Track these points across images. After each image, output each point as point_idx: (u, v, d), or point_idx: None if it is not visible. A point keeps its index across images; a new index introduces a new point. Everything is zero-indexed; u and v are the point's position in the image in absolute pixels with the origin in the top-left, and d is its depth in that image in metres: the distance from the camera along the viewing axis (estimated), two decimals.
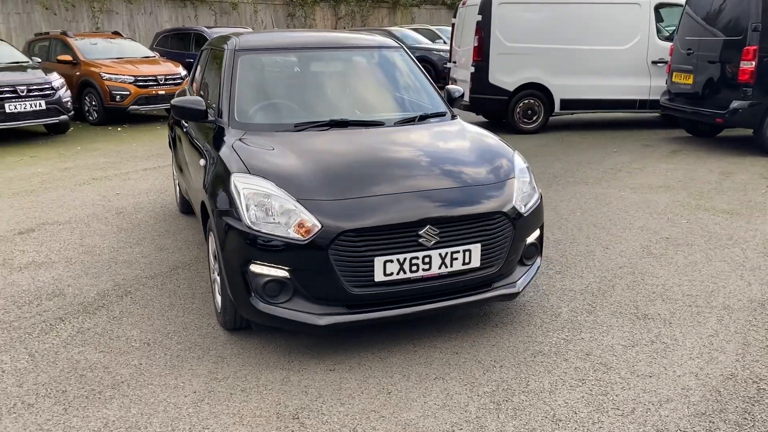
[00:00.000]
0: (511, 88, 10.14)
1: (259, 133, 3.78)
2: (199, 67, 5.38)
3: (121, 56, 12.46)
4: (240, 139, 3.67)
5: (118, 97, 11.46)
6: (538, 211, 3.64)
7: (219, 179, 3.42)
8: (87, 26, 15.22)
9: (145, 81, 11.69)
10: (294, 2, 20.23)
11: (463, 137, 3.92)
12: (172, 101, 4.05)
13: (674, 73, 9.40)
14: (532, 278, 3.63)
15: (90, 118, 11.92)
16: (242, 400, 2.96)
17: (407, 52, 4.69)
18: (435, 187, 3.32)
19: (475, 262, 3.29)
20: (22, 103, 9.65)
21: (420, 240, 3.14)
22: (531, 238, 3.61)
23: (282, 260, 3.09)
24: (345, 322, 3.14)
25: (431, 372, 3.18)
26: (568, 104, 10.34)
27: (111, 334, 3.62)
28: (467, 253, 3.25)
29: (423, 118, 4.17)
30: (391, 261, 3.11)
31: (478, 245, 3.27)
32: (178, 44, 14.62)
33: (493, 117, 11.37)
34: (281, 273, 3.10)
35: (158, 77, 11.88)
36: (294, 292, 3.15)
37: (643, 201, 6.24)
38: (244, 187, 3.21)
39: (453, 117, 4.34)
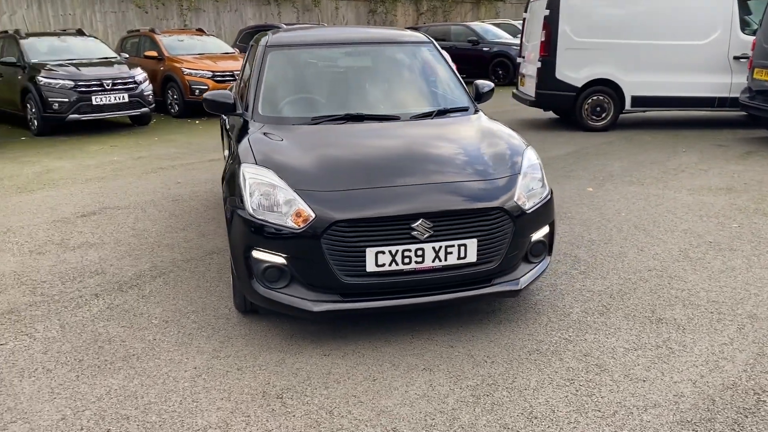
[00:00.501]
0: (579, 84, 9.88)
1: (278, 126, 3.94)
2: (246, 63, 5.62)
3: (203, 52, 13.07)
4: (258, 132, 3.84)
5: (197, 90, 12.03)
6: (546, 209, 3.60)
7: (232, 169, 3.61)
8: (176, 23, 16.04)
9: (222, 76, 12.21)
10: None
11: (476, 132, 3.92)
12: (204, 95, 4.28)
13: (756, 70, 8.86)
14: (538, 276, 3.60)
15: (171, 111, 12.58)
16: (236, 378, 3.12)
17: (436, 47, 4.72)
18: (432, 181, 3.36)
19: (471, 257, 3.30)
20: (107, 95, 10.35)
21: (413, 233, 3.19)
22: (538, 235, 3.58)
23: (280, 248, 3.23)
24: (338, 309, 3.25)
25: (421, 363, 3.23)
26: (639, 101, 9.96)
27: (135, 311, 3.89)
28: (462, 248, 3.27)
29: (442, 113, 4.20)
30: (383, 252, 3.18)
31: (474, 240, 3.28)
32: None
33: (560, 113, 11.13)
34: (279, 260, 3.24)
35: (235, 72, 12.37)
36: (291, 278, 3.28)
37: (697, 203, 5.97)
38: (250, 176, 3.38)
39: (476, 111, 4.34)
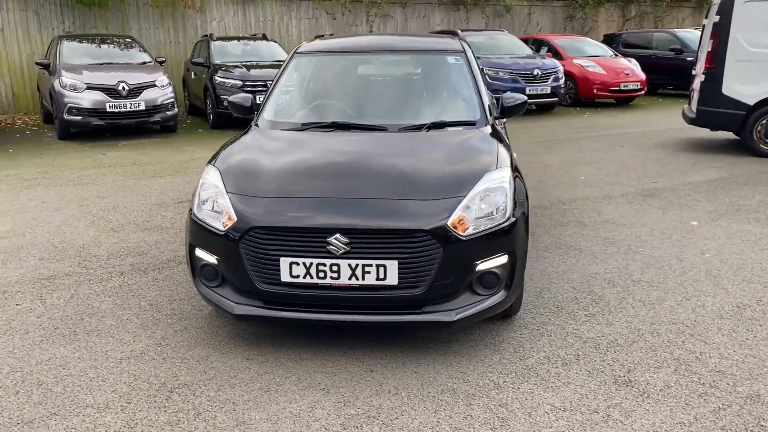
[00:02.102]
0: (751, 102, 8.54)
1: (271, 130, 4.04)
2: None
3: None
4: (247, 135, 3.99)
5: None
6: (501, 236, 3.24)
7: None
8: (364, 29, 16.85)
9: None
10: (575, 3, 19.52)
11: (453, 148, 3.65)
12: (229, 98, 4.53)
13: None
14: (483, 312, 3.25)
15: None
16: (153, 366, 3.29)
17: (467, 57, 4.45)
18: (363, 197, 3.22)
19: (392, 280, 3.10)
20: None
21: (329, 247, 3.09)
22: (487, 265, 3.24)
23: (211, 248, 3.33)
24: (255, 315, 3.26)
25: (326, 382, 3.12)
26: None
27: (136, 291, 4.26)
28: (381, 269, 3.09)
29: (439, 126, 3.97)
30: (297, 264, 3.13)
31: (395, 262, 3.08)
32: None
33: (738, 135, 9.70)
34: (212, 260, 3.35)
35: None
36: (223, 279, 3.37)
37: None
38: (203, 177, 3.53)
39: (487, 125, 4.03)
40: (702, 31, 10.02)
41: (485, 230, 3.20)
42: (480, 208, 3.23)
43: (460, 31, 14.81)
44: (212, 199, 3.38)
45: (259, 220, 3.16)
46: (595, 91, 14.50)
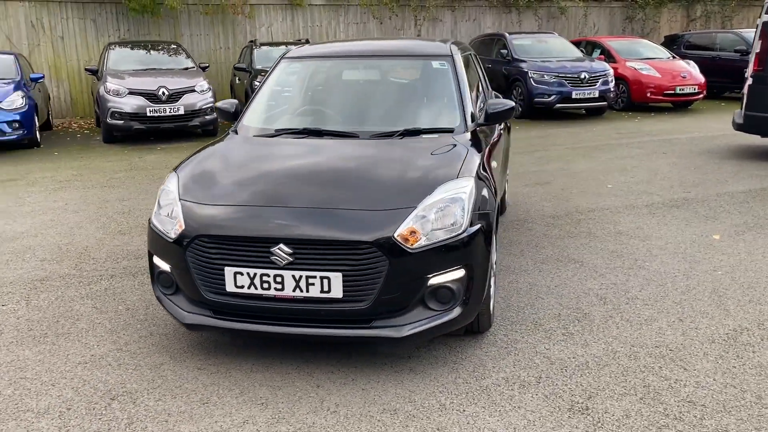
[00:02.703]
0: None
1: (245, 136, 4.01)
2: None
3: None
4: (222, 142, 3.96)
5: None
6: (455, 250, 3.08)
7: None
8: (412, 33, 16.74)
9: None
10: (635, 4, 18.80)
11: (420, 157, 3.50)
12: (216, 104, 4.53)
13: None
14: (434, 327, 3.10)
15: None
16: (105, 372, 3.29)
17: (454, 62, 4.26)
18: (307, 206, 3.12)
19: (337, 293, 3.00)
20: None
21: (272, 258, 3.02)
22: (441, 280, 3.09)
23: (165, 256, 3.32)
24: (202, 324, 3.23)
25: (266, 397, 3.04)
26: None
27: (120, 296, 4.29)
28: (326, 281, 2.99)
29: (413, 133, 3.83)
30: (241, 274, 3.06)
31: (339, 275, 2.98)
32: (484, 49, 15.07)
33: None
34: (167, 267, 3.33)
35: None
36: (177, 287, 3.34)
37: None
38: (165, 184, 3.53)
39: (465, 132, 3.86)
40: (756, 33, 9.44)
41: (438, 242, 3.05)
42: (434, 219, 3.09)
43: (507, 34, 14.52)
44: (170, 206, 3.36)
45: (205, 228, 3.12)
46: (648, 95, 13.89)
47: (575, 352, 3.42)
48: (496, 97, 5.84)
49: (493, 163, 4.00)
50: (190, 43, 14.86)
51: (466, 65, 4.84)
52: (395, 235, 2.99)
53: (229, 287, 3.09)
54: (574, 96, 12.81)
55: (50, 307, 4.13)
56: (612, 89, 13.22)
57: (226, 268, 3.08)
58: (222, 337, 3.61)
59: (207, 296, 3.15)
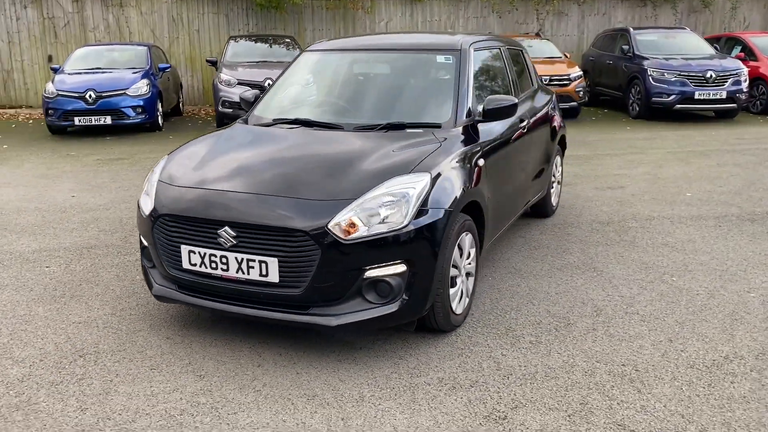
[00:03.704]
0: None
1: (246, 125, 4.22)
2: None
3: (532, 57, 13.04)
4: (225, 129, 4.20)
5: None
6: (394, 244, 3.08)
7: None
8: (534, 27, 16.26)
9: None
10: None
11: (389, 149, 3.49)
12: (240, 95, 4.78)
13: None
14: (368, 320, 3.11)
15: None
16: (90, 332, 3.64)
17: (460, 57, 4.16)
18: (256, 192, 3.25)
19: (273, 278, 3.11)
20: None
21: (219, 239, 3.19)
22: (380, 273, 3.10)
23: (142, 232, 3.61)
24: (166, 296, 3.47)
25: (207, 369, 3.22)
26: None
27: (114, 272, 4.55)
28: (264, 265, 3.11)
29: (398, 127, 3.81)
30: (194, 252, 3.27)
31: (275, 260, 3.08)
32: (607, 45, 14.34)
33: None
34: (146, 242, 3.62)
35: (542, 77, 12.10)
36: (153, 261, 3.62)
37: None
38: (156, 165, 3.81)
39: (455, 127, 3.80)
40: None
41: (375, 236, 3.06)
42: (376, 213, 3.09)
43: (632, 29, 13.69)
44: (151, 186, 3.64)
45: (168, 208, 3.36)
46: None
47: (530, 361, 3.26)
48: (546, 94, 5.61)
49: (503, 162, 3.96)
50: (313, 37, 15.49)
51: (495, 60, 4.72)
52: (329, 225, 3.03)
53: (185, 264, 3.31)
54: (696, 96, 11.83)
55: (82, 271, 4.60)
56: (744, 90, 12.04)
57: (182, 246, 3.29)
58: (202, 312, 3.85)
59: (170, 271, 3.39)
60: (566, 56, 13.60)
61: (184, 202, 3.34)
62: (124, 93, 10.83)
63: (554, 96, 5.90)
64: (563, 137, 5.92)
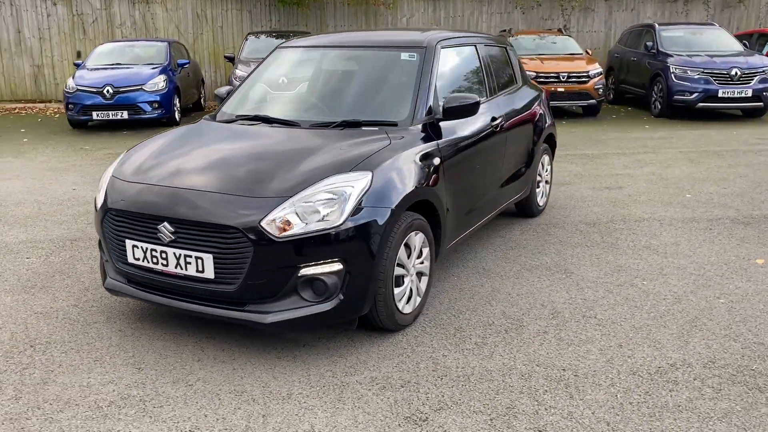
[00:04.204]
0: None
1: (210, 121, 4.26)
2: None
3: (552, 53, 12.91)
4: (188, 125, 4.25)
5: None
6: (329, 242, 3.07)
7: None
8: (558, 23, 15.98)
9: (546, 77, 11.93)
10: None
11: (336, 147, 3.48)
12: (215, 90, 4.82)
13: None
14: (301, 318, 3.10)
15: None
16: (48, 323, 3.73)
17: (425, 55, 4.10)
18: (194, 188, 3.27)
19: (209, 274, 3.13)
20: None
21: (159, 234, 3.23)
22: (315, 271, 3.09)
23: (95, 227, 3.67)
24: (115, 289, 3.53)
25: (146, 362, 3.26)
26: None
27: (69, 271, 4.62)
28: (200, 261, 3.14)
29: (354, 125, 3.80)
30: (137, 247, 3.31)
31: (210, 256, 3.11)
32: (632, 41, 14.02)
33: None
34: (99, 237, 3.69)
35: (560, 74, 11.94)
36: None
37: None
38: (116, 160, 3.88)
39: (411, 126, 3.77)
40: None
41: (309, 233, 3.06)
42: (312, 210, 3.09)
43: (657, 25, 13.34)
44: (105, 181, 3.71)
45: (113, 203, 3.41)
46: None
47: (469, 363, 3.22)
48: (532, 92, 5.52)
49: (468, 161, 3.97)
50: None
51: (466, 58, 4.66)
52: (261, 222, 3.04)
53: (130, 258, 3.36)
54: (720, 95, 11.47)
55: (59, 263, 4.71)
56: None
57: (127, 241, 3.34)
58: (159, 307, 3.90)
59: (117, 265, 3.44)
60: (588, 53, 13.33)
61: (128, 196, 3.39)
62: (141, 88, 11.04)
63: (543, 93, 5.79)
64: (551, 135, 5.80)
